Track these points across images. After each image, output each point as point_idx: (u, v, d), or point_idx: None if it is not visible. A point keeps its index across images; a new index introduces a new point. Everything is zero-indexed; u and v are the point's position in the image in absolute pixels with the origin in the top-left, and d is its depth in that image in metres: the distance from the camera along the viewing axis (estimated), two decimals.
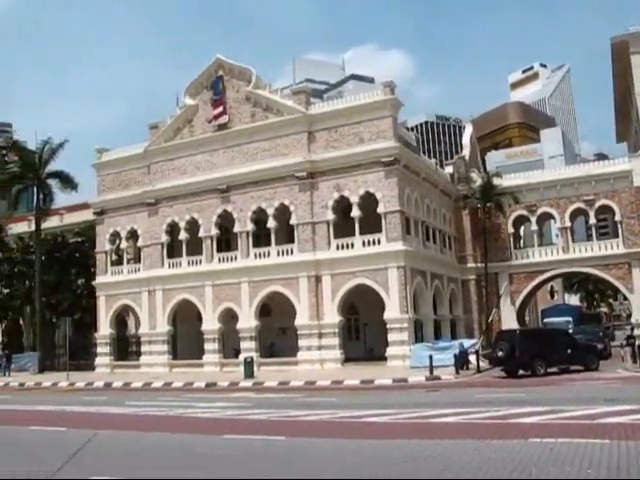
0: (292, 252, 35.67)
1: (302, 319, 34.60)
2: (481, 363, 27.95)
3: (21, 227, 52.85)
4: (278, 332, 38.02)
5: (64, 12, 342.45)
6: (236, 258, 37.25)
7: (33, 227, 46.49)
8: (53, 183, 45.23)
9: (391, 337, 32.76)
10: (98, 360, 41.65)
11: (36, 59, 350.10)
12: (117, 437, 13.43)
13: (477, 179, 44.64)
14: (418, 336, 34.34)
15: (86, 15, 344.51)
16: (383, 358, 32.74)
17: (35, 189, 45.89)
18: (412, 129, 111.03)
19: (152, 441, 12.85)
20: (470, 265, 43.82)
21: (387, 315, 32.93)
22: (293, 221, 35.59)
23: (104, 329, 41.42)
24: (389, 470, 8.83)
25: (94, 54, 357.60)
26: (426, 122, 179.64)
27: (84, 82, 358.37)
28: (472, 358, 28.27)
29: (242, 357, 32.86)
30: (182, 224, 38.87)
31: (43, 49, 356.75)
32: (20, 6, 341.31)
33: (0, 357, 44.47)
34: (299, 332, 34.77)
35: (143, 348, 39.90)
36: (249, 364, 29.87)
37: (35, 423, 16.27)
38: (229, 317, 37.37)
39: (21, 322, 51.18)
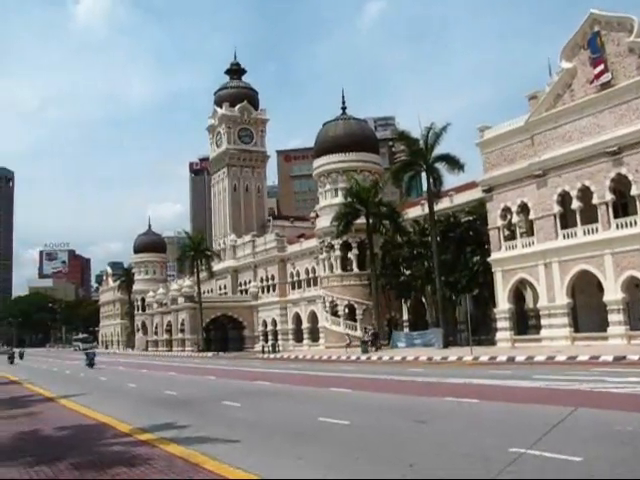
0: None
1: None
2: None
3: (415, 211, 57.44)
4: None
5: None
6: (636, 223, 36.08)
7: (426, 210, 50.36)
8: (440, 166, 48.37)
9: None
10: (498, 335, 43.66)
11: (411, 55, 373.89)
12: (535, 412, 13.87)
13: None
14: None
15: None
16: None
17: (424, 174, 49.21)
18: None
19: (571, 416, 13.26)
20: None
21: None
22: None
23: (502, 304, 43.20)
24: None
25: (459, 35, 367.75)
26: None
27: (454, 66, 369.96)
28: None
29: None
30: (573, 193, 39.03)
31: (416, 45, 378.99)
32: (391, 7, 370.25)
33: (372, 335, 50.83)
34: None
35: (542, 322, 40.80)
36: None
37: (448, 394, 17.83)
38: (633, 286, 36.42)
39: (423, 300, 55.39)
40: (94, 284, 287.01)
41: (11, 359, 64.38)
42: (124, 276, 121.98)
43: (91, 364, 47.13)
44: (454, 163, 47.64)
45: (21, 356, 72.54)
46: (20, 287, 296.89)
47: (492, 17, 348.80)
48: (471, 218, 49.16)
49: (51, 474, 10.14)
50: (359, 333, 56.96)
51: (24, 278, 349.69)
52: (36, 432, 14.95)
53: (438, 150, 48.32)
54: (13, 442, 13.70)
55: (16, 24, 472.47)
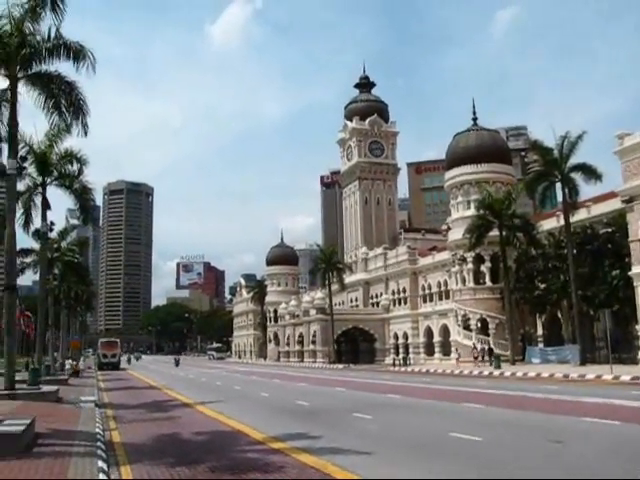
0: None
1: None
2: None
3: (549, 223, 55.95)
4: None
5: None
6: None
7: (561, 222, 49.05)
8: (576, 176, 46.86)
9: None
10: None
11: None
12: None
13: None
14: None
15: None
16: None
17: (559, 185, 47.92)
18: None
19: None
20: None
21: None
22: None
23: None
24: None
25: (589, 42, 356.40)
26: None
27: (589, 72, 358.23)
28: None
29: None
30: None
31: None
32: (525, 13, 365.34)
33: (483, 349, 52.70)
34: None
35: None
36: None
37: (586, 414, 17.40)
38: None
39: (559, 315, 53.76)
40: (228, 295, 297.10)
41: (129, 361, 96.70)
42: (257, 288, 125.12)
43: (177, 364, 79.97)
44: (591, 173, 46.04)
45: (137, 359, 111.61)
46: (159, 297, 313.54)
47: (629, 20, 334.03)
48: (610, 230, 47.23)
49: (190, 475, 10.76)
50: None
51: (163, 289, 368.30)
52: (176, 435, 15.88)
53: (573, 160, 46.99)
54: (156, 444, 14.63)
55: (160, 49, 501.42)
